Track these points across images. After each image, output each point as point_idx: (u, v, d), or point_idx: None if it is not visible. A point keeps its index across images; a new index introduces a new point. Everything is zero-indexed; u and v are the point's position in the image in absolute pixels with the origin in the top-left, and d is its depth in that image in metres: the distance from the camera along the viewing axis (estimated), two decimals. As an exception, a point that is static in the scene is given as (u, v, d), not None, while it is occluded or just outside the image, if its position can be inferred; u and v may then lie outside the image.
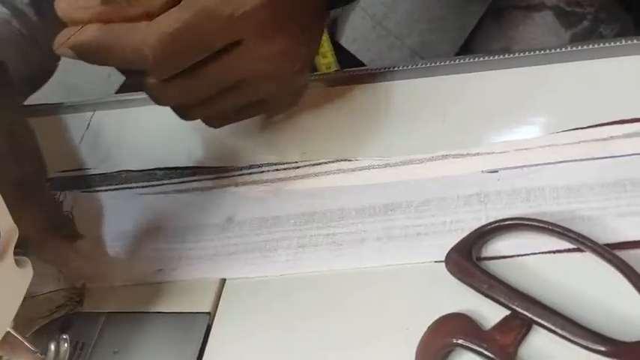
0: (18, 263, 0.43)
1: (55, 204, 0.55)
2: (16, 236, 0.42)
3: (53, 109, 0.72)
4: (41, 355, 0.47)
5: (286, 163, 0.56)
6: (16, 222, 0.41)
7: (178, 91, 0.48)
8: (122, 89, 1.08)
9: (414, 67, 0.59)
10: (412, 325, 0.43)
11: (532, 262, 0.44)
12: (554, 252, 0.44)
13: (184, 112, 0.52)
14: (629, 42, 0.53)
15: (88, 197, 0.59)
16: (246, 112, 0.54)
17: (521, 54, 0.56)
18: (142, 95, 0.69)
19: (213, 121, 0.54)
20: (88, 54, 0.45)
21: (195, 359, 0.46)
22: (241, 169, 0.57)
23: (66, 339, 0.49)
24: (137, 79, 0.48)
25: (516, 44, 0.75)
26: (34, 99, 0.76)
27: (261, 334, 0.46)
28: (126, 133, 0.65)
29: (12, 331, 0.44)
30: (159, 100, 0.50)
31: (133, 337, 0.49)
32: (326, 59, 0.88)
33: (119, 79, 1.15)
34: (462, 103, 0.55)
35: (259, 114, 0.56)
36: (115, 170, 0.61)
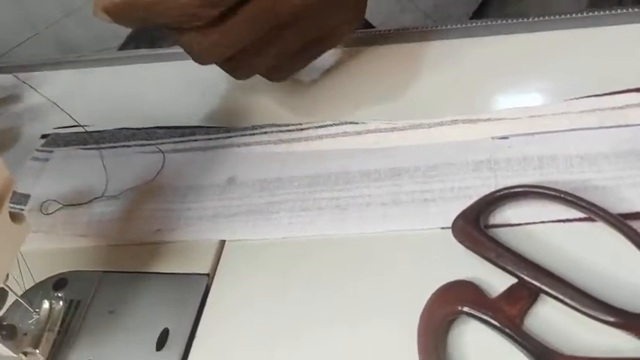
0: (14, 218, 0.42)
1: None
2: (12, 189, 0.41)
3: (55, 64, 0.70)
4: (35, 312, 0.46)
5: (290, 124, 0.54)
6: None
7: (226, 37, 0.43)
8: (124, 46, 1.06)
9: (426, 29, 0.57)
10: (416, 292, 0.41)
11: (541, 231, 0.43)
12: (564, 221, 0.43)
13: (236, 65, 0.47)
14: (649, 8, 0.52)
15: (85, 154, 0.58)
16: (308, 53, 0.49)
17: (537, 18, 0.54)
18: (145, 52, 0.68)
19: (273, 73, 0.50)
20: (126, 14, 0.42)
21: (193, 321, 0.45)
22: (244, 130, 0.55)
23: (60, 297, 0.48)
24: (176, 35, 0.44)
25: (533, 8, 0.73)
26: (35, 55, 0.74)
27: (260, 297, 0.45)
28: (127, 91, 0.64)
29: (6, 288, 0.43)
30: (203, 55, 0.45)
31: (129, 297, 0.48)
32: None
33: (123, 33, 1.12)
34: (474, 68, 0.53)
35: (322, 53, 0.51)
36: (115, 128, 0.59)
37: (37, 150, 0.60)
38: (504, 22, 0.55)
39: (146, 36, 1.03)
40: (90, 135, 0.59)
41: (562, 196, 0.43)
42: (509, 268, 0.41)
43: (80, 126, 0.59)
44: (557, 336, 0.38)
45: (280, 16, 0.44)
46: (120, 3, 0.42)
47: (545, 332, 0.38)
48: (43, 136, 0.62)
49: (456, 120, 0.50)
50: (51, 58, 0.72)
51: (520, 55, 0.53)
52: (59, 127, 0.62)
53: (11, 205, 0.54)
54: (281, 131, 0.54)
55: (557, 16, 0.54)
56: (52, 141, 0.61)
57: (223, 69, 0.48)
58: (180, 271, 0.48)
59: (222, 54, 0.46)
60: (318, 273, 0.45)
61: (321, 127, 0.53)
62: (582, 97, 0.48)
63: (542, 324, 0.39)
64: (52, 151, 0.60)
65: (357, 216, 0.47)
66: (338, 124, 0.53)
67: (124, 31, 1.10)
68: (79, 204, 0.54)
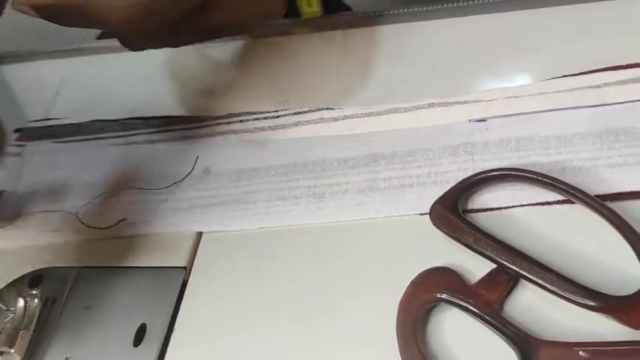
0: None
1: None
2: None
3: (27, 56, 0.69)
4: (10, 311, 0.46)
5: (266, 112, 0.54)
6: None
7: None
8: (103, 35, 1.04)
9: (401, 11, 0.56)
10: (395, 280, 0.41)
11: (520, 215, 0.42)
12: (543, 204, 0.42)
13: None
14: (625, -15, 0.51)
15: (59, 148, 0.57)
16: (217, 35, 0.49)
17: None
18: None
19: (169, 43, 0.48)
20: (51, 15, 0.41)
21: (171, 315, 0.45)
22: (219, 119, 0.54)
23: (36, 294, 0.47)
24: None
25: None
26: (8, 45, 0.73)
27: (238, 290, 0.44)
28: (101, 82, 0.63)
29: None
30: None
31: (105, 292, 0.47)
32: (311, 8, 0.84)
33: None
34: (451, 50, 0.53)
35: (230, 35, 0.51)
36: (88, 120, 0.58)
37: (11, 144, 0.59)
38: (479, 2, 0.54)
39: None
40: (64, 128, 0.58)
41: (539, 178, 0.42)
42: (487, 253, 0.40)
43: (54, 119, 0.58)
44: (537, 321, 0.38)
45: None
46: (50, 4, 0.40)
47: (525, 318, 0.38)
48: (17, 130, 0.60)
49: (432, 103, 0.50)
50: (26, 50, 0.71)
51: (496, 35, 0.52)
52: (33, 121, 0.60)
53: (-16, 201, 0.54)
54: (257, 119, 0.53)
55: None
56: (25, 135, 0.60)
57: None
58: (157, 265, 0.47)
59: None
60: (296, 262, 0.45)
61: (298, 113, 0.53)
62: (559, 77, 0.48)
63: (522, 309, 0.38)
64: (25, 145, 0.59)
65: (334, 204, 0.46)
66: (314, 110, 0.52)
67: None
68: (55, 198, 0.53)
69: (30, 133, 0.59)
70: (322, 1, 0.77)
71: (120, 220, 0.49)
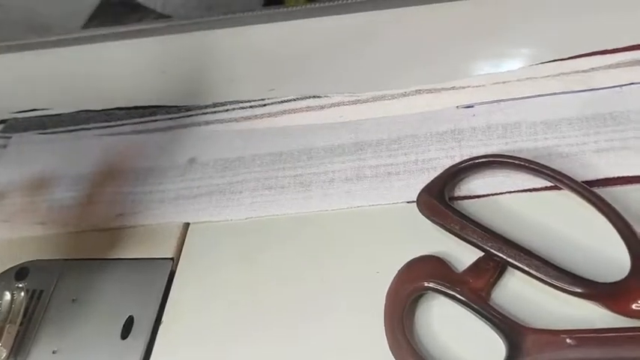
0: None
1: None
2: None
3: (11, 47, 0.68)
4: (-4, 304, 0.45)
5: (252, 100, 0.53)
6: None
7: None
8: (87, 25, 1.03)
9: (387, -3, 0.56)
10: (382, 269, 0.41)
11: (507, 201, 0.42)
12: (530, 190, 0.42)
13: None
14: (613, -33, 0.50)
15: (44, 139, 0.56)
16: None
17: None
18: (106, 31, 0.66)
19: None
20: None
21: (158, 307, 0.44)
22: (205, 108, 0.54)
23: (22, 287, 0.47)
24: None
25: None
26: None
27: (226, 280, 0.44)
28: (86, 71, 0.62)
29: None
30: None
31: (92, 284, 0.46)
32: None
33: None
34: (437, 35, 0.52)
35: None
36: (73, 110, 0.58)
37: (-5, 136, 0.59)
38: (467, -14, 0.54)
39: (111, 14, 1.00)
40: (49, 119, 0.58)
41: (526, 164, 0.42)
42: (474, 240, 0.40)
43: (38, 110, 0.57)
44: (524, 309, 0.38)
45: None
46: None
47: (513, 305, 0.38)
48: (1, 122, 0.60)
49: (420, 90, 0.49)
50: (11, 42, 0.70)
51: (483, 20, 0.52)
52: (17, 112, 0.60)
53: (-31, 194, 0.53)
54: (243, 108, 0.53)
55: (519, -21, 0.52)
56: (10, 126, 0.59)
57: None
58: (144, 256, 0.47)
59: None
60: (283, 252, 0.44)
61: (284, 102, 0.52)
62: (547, 62, 0.47)
63: (509, 297, 0.38)
64: (10, 137, 0.58)
65: (321, 193, 0.46)
66: (301, 99, 0.52)
67: (89, 9, 1.07)
68: (41, 190, 0.52)
69: (15, 125, 0.59)
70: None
71: (118, 215, 0.49)
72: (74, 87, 0.61)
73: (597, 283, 0.36)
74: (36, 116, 0.58)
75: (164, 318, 0.44)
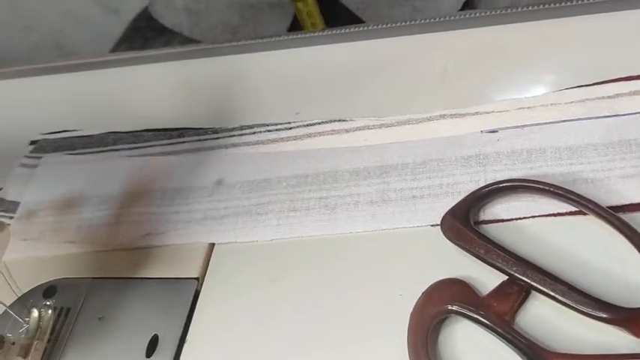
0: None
1: None
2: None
3: (42, 70, 0.70)
4: (25, 322, 0.46)
5: (279, 123, 0.54)
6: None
7: None
8: (116, 48, 1.05)
9: (414, 23, 0.56)
10: (406, 292, 0.41)
11: (532, 226, 0.42)
12: (555, 215, 0.42)
13: None
14: (638, -5, 0.51)
15: (74, 160, 0.57)
16: None
17: (526, 9, 0.53)
18: (135, 55, 0.68)
19: None
20: None
21: (183, 326, 0.45)
22: (232, 130, 0.55)
23: (50, 305, 0.47)
24: None
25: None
26: (25, 61, 0.74)
27: (250, 301, 0.45)
28: (115, 94, 0.63)
29: (-8, 298, 0.43)
30: None
31: (118, 303, 0.47)
32: (311, 19, 0.84)
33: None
34: (463, 60, 0.53)
35: None
36: (102, 132, 0.59)
37: (26, 156, 0.60)
38: (493, 13, 0.54)
39: (139, 37, 1.02)
40: (78, 140, 0.59)
41: (551, 189, 0.42)
42: (499, 264, 0.40)
43: (68, 131, 0.59)
44: (548, 333, 0.38)
45: None
46: None
47: (537, 329, 0.38)
48: (32, 143, 0.61)
49: (444, 115, 0.50)
50: (41, 66, 0.72)
51: (508, 46, 0.52)
52: (47, 133, 0.61)
53: (0, 213, 0.54)
54: (269, 131, 0.54)
55: (546, 6, 0.53)
56: (41, 147, 0.60)
57: None
58: (170, 276, 0.48)
59: None
60: (308, 274, 0.45)
61: (310, 125, 0.53)
62: (572, 88, 0.48)
63: (533, 321, 0.38)
64: (40, 157, 0.59)
65: (346, 215, 0.46)
66: (326, 122, 0.52)
67: (118, 33, 1.09)
68: (69, 209, 0.53)
69: (45, 146, 0.60)
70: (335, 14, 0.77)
71: (146, 234, 0.50)
72: (103, 109, 0.62)
73: (622, 308, 0.36)
74: (66, 137, 0.60)
75: (189, 337, 0.44)
